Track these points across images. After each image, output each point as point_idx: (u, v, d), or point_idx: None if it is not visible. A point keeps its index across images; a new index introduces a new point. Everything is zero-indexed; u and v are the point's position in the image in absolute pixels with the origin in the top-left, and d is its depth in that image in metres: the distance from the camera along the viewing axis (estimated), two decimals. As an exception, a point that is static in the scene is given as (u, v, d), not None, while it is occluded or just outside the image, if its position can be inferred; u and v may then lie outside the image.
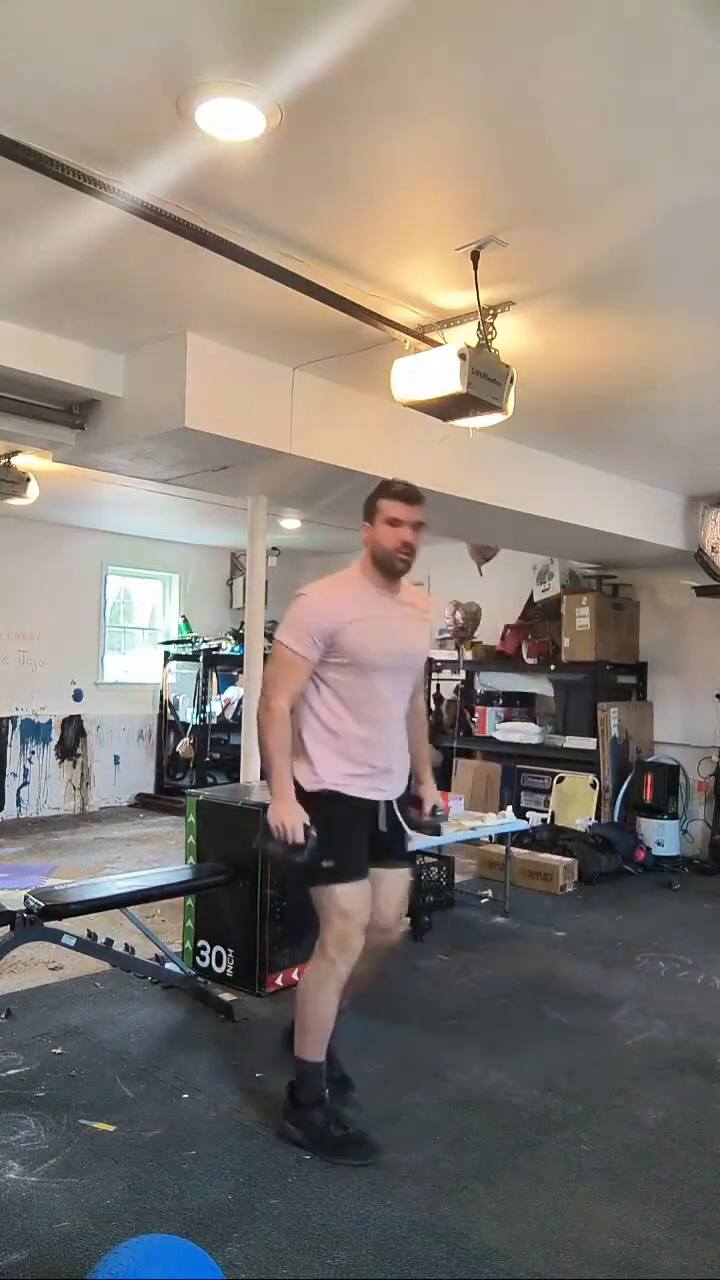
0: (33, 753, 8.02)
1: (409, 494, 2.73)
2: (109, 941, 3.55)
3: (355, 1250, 2.23)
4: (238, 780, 5.01)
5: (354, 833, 2.71)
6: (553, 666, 7.23)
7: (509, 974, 4.25)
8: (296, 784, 2.70)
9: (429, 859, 5.14)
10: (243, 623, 5.72)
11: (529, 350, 3.61)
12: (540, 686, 7.73)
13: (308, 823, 2.59)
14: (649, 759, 7.04)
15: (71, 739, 8.23)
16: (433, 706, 7.95)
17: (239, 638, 8.04)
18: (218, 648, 8.66)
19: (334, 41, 1.93)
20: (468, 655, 7.65)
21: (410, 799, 2.91)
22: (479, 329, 3.14)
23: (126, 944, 3.65)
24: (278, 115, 2.20)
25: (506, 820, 5.24)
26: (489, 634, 7.78)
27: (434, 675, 7.95)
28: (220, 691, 8.81)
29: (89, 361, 3.78)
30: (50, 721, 8.13)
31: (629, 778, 6.90)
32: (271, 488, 4.84)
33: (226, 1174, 2.53)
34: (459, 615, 7.66)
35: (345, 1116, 2.70)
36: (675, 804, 6.81)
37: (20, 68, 2.07)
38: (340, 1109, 2.73)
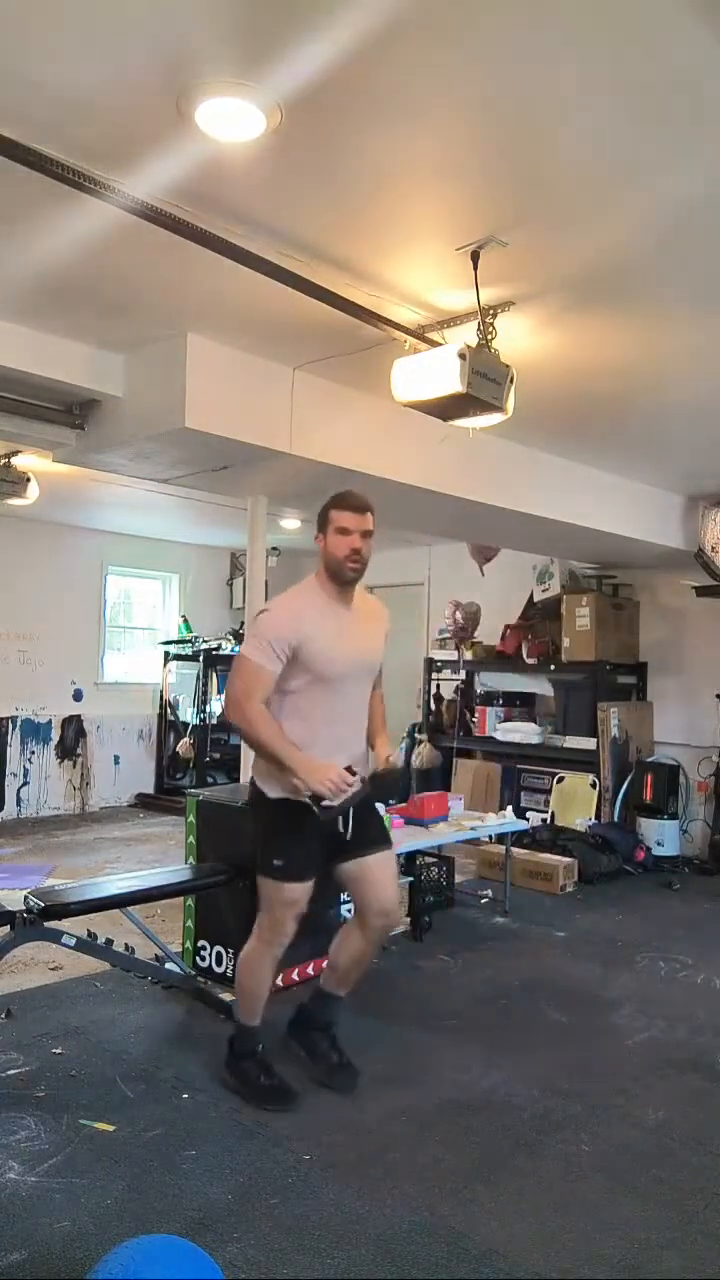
0: (33, 753, 8.02)
1: (357, 503, 2.87)
2: (109, 941, 3.55)
3: (355, 1250, 2.23)
4: (238, 780, 5.01)
5: (309, 840, 2.86)
6: (553, 666, 7.22)
7: (509, 974, 4.25)
8: (261, 792, 2.87)
9: (429, 859, 5.13)
10: (243, 623, 5.72)
11: (529, 350, 3.61)
12: (540, 686, 7.73)
13: (343, 767, 2.74)
14: (649, 759, 7.04)
15: (71, 739, 8.23)
16: (433, 706, 7.96)
17: (239, 638, 8.05)
18: (218, 648, 8.66)
19: (334, 42, 1.93)
20: (468, 655, 7.64)
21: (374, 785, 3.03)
22: (479, 329, 3.14)
23: (126, 944, 3.65)
24: (278, 115, 2.19)
25: (506, 820, 5.24)
26: (489, 634, 7.76)
27: (434, 675, 7.96)
28: (220, 691, 8.79)
29: (89, 361, 3.78)
30: (50, 721, 8.13)
31: (629, 778, 6.90)
32: (271, 488, 4.84)
33: (226, 1174, 2.53)
34: (459, 615, 7.64)
35: (274, 1070, 3.00)
36: (675, 804, 6.81)
37: (20, 68, 2.07)
38: (270, 1063, 3.01)
